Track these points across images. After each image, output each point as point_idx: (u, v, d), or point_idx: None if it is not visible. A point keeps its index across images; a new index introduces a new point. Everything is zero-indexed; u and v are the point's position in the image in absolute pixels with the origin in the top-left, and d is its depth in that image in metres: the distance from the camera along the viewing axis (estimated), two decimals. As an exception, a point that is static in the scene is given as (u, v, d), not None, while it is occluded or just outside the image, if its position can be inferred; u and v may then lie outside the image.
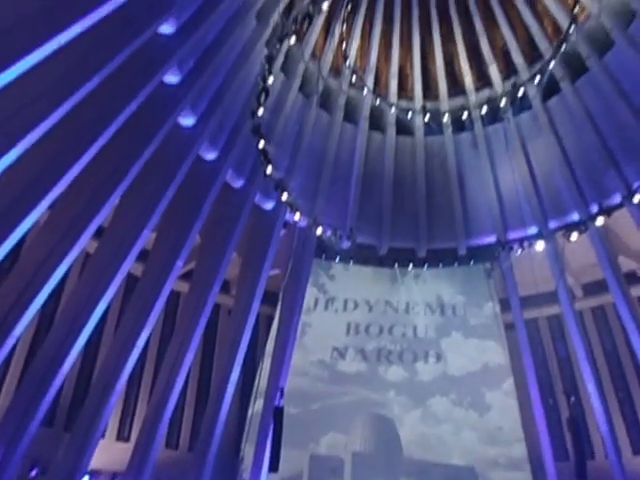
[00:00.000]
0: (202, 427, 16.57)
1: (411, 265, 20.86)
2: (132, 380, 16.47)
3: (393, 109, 21.40)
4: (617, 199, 16.69)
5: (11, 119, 10.14)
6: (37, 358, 13.44)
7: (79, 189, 12.74)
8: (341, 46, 20.12)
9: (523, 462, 16.72)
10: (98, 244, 14.88)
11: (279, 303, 19.26)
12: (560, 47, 18.11)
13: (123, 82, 12.41)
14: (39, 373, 12.99)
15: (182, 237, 15.65)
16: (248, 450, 16.61)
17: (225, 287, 19.32)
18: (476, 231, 20.82)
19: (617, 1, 17.41)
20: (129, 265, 14.60)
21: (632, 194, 15.50)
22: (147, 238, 14.91)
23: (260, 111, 14.07)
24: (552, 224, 19.25)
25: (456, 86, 21.90)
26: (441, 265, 20.90)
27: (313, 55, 20.09)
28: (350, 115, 21.50)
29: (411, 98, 21.98)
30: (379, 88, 21.85)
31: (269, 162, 15.16)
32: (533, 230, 19.47)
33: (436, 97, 21.87)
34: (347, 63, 20.44)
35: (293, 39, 13.91)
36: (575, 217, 18.39)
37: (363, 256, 20.77)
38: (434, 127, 21.11)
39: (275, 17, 16.87)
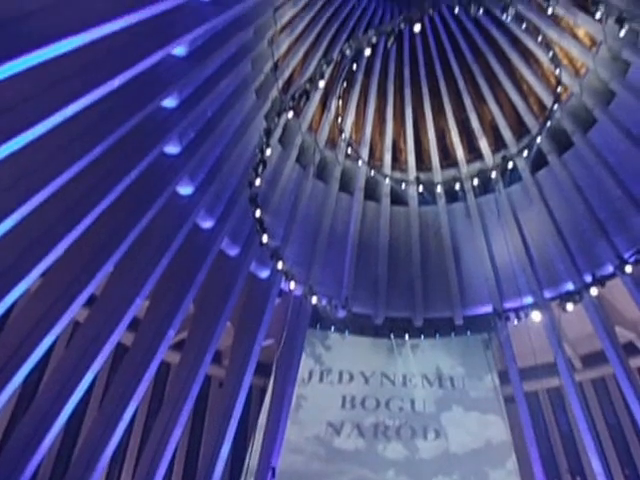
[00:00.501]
0: (189, 509, 15.63)
1: (407, 335, 20.56)
2: (116, 456, 15.66)
3: (387, 180, 21.92)
4: (609, 269, 16.80)
5: (10, 189, 10.18)
6: (15, 433, 12.76)
7: (73, 257, 12.63)
8: (337, 120, 20.89)
9: None
10: (89, 313, 14.59)
11: (272, 375, 18.73)
12: (545, 123, 18.98)
13: (124, 152, 12.62)
14: (17, 449, 12.29)
15: (175, 305, 15.40)
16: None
17: (217, 358, 18.87)
18: (472, 301, 20.77)
19: (597, 81, 18.35)
20: (119, 334, 14.25)
21: (623, 264, 15.60)
22: (139, 306, 14.67)
23: (257, 181, 14.32)
24: (547, 294, 19.28)
25: (448, 158, 22.62)
26: (438, 335, 20.67)
27: (310, 128, 20.78)
28: (346, 185, 22.01)
29: (405, 170, 22.63)
30: (374, 160, 22.50)
31: (265, 231, 15.26)
32: (529, 300, 19.41)
33: (429, 169, 22.53)
34: (343, 136, 21.13)
35: (291, 113, 14.36)
36: (570, 287, 18.43)
37: (359, 325, 20.51)
38: (428, 198, 21.60)
39: (274, 93, 17.54)
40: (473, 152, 22.24)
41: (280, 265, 16.06)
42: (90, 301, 14.01)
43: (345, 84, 20.25)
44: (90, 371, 13.39)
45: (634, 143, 17.01)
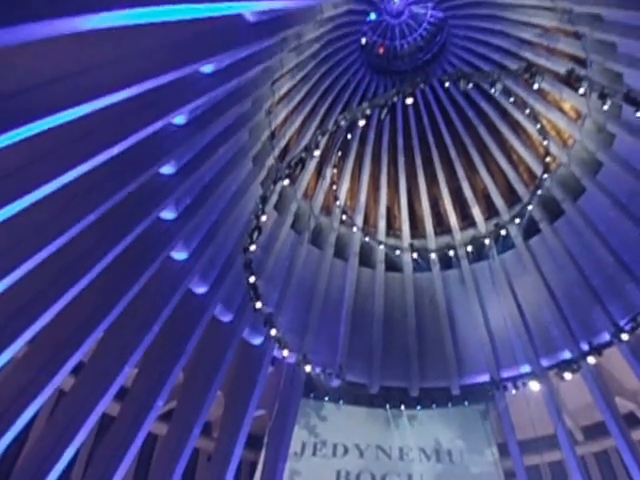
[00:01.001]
0: None
1: (403, 405, 19.98)
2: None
3: (382, 247, 22.02)
4: (606, 336, 16.58)
5: (2, 254, 10.08)
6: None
7: (62, 322, 12.33)
8: (332, 187, 21.23)
9: None
10: (75, 381, 14.10)
11: (264, 447, 17.94)
12: (536, 192, 19.38)
13: (119, 218, 12.56)
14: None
15: (165, 374, 14.94)
16: None
17: (206, 429, 18.09)
18: (468, 370, 20.39)
19: (584, 152, 18.95)
20: (106, 404, 13.71)
21: (619, 332, 15.40)
22: (127, 375, 14.20)
23: (252, 247, 14.29)
24: (545, 362, 19.02)
25: (442, 225, 22.91)
26: (434, 405, 20.08)
27: (305, 195, 21.10)
28: (340, 252, 22.11)
29: (399, 236, 22.82)
30: (368, 226, 22.73)
31: (259, 297, 15.08)
32: (526, 369, 19.06)
33: (423, 236, 22.78)
34: (337, 203, 21.40)
35: (287, 181, 14.55)
36: (567, 355, 18.20)
37: (353, 395, 19.94)
38: (422, 264, 21.63)
39: (270, 161, 17.90)
40: (466, 219, 22.58)
41: (273, 332, 15.75)
42: (77, 369, 13.59)
43: (340, 153, 20.76)
44: (73, 443, 12.78)
45: (623, 211, 17.34)
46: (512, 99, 18.15)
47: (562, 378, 15.64)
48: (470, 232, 22.27)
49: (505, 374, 19.39)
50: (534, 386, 16.36)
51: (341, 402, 19.82)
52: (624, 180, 17.37)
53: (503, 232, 20.36)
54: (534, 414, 16.74)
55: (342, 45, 19.02)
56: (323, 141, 14.59)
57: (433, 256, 21.67)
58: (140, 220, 13.01)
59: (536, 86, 12.13)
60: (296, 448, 18.55)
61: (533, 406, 17.05)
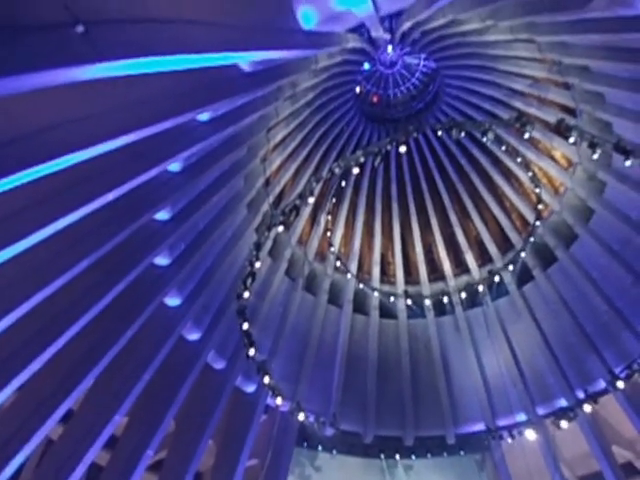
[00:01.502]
0: None
1: (398, 455, 19.55)
2: None
3: (376, 293, 22.01)
4: (602, 384, 16.44)
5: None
6: None
7: (51, 370, 12.19)
8: (326, 234, 21.40)
9: None
10: (63, 430, 13.82)
11: (255, 500, 17.44)
12: (528, 239, 19.58)
13: (112, 264, 12.57)
14: None
15: (156, 422, 14.66)
16: None
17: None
18: (464, 418, 20.08)
19: (576, 199, 19.28)
20: (94, 453, 13.40)
21: (615, 379, 15.24)
22: (117, 423, 13.94)
23: (246, 294, 14.28)
24: (540, 410, 18.81)
25: (436, 272, 23.03)
26: (429, 455, 19.65)
27: (299, 241, 21.24)
28: (334, 298, 22.08)
29: (393, 283, 22.86)
30: (362, 273, 22.81)
31: (252, 344, 14.96)
32: (522, 417, 18.79)
33: (417, 282, 22.84)
34: (332, 249, 21.53)
35: (281, 227, 14.67)
36: (563, 403, 17.99)
37: (348, 444, 19.54)
38: (417, 310, 21.59)
39: (265, 207, 18.11)
40: (460, 266, 22.73)
41: (267, 379, 15.55)
42: (66, 417, 13.35)
43: (334, 200, 21.03)
44: (60, 495, 12.43)
45: (615, 258, 17.50)
46: (504, 147, 18.64)
47: (558, 427, 15.40)
48: (464, 278, 22.36)
49: (501, 422, 19.10)
50: (530, 435, 16.09)
51: (334, 451, 19.38)
52: (616, 227, 17.64)
53: (497, 279, 20.42)
54: (531, 463, 16.41)
55: (337, 94, 19.46)
56: (317, 188, 14.81)
57: (427, 302, 21.63)
58: (134, 266, 13.05)
59: (527, 135, 12.44)
60: (288, 501, 18.03)
61: (529, 455, 16.73)
